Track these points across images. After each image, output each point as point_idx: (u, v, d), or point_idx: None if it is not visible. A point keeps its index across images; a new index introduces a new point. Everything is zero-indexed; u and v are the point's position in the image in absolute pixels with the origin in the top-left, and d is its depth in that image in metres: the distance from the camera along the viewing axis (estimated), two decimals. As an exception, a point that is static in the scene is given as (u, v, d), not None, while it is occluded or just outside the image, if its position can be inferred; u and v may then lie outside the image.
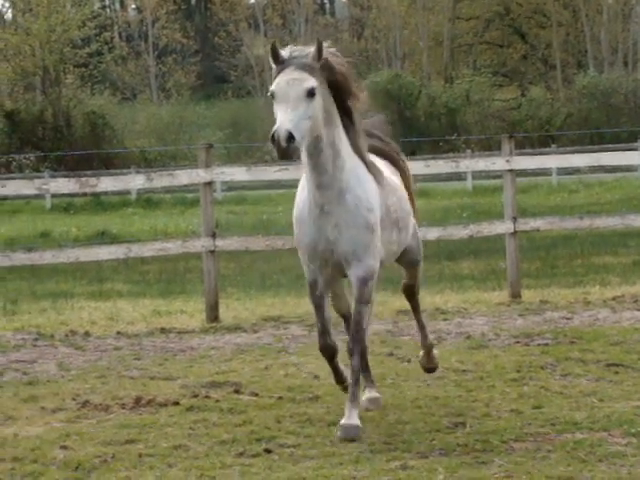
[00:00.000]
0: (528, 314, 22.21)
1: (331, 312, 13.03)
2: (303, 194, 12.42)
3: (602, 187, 66.36)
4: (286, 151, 10.00)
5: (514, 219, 24.12)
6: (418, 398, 15.39)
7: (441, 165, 32.53)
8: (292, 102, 10.12)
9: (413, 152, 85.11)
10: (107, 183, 28.14)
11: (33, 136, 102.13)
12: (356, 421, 12.55)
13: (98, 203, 70.64)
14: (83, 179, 26.92)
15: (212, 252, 23.65)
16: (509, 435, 13.32)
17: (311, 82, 10.47)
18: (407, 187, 13.26)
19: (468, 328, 20.99)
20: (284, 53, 10.60)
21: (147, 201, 70.62)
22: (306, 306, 23.62)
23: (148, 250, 24.55)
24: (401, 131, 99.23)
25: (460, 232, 26.35)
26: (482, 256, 31.83)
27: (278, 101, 10.27)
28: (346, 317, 13.28)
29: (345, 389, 13.38)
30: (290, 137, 9.88)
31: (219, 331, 21.72)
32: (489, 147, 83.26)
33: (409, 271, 14.40)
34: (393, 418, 13.98)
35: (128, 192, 70.61)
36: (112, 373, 18.21)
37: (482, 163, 30.50)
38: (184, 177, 24.88)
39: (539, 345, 19.00)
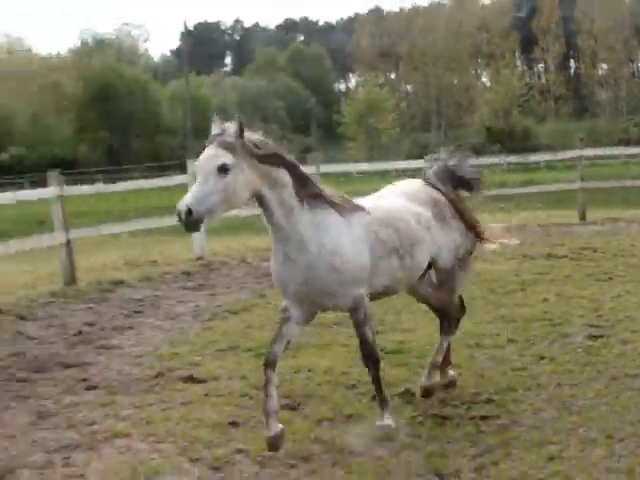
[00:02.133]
0: None
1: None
2: None
3: None
4: (186, 224, 5.73)
5: None
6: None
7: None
8: (203, 177, 5.81)
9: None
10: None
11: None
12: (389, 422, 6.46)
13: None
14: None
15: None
16: None
17: (224, 159, 5.81)
18: (462, 215, 7.33)
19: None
20: (213, 130, 6.05)
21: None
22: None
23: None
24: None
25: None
26: None
27: (197, 175, 5.94)
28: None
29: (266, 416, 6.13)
30: (188, 212, 5.66)
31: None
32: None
33: (435, 291, 7.63)
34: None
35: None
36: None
37: None
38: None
39: None
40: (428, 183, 7.34)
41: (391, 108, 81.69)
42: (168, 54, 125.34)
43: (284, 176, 6.05)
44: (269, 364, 6.15)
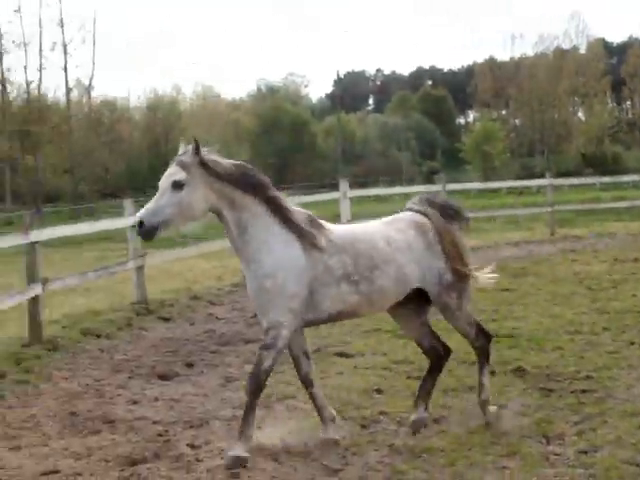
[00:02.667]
0: None
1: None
2: None
3: None
4: (139, 234, 5.12)
5: None
6: None
7: None
8: (160, 192, 5.09)
9: None
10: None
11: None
12: (240, 452, 5.19)
13: None
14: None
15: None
16: None
17: (178, 176, 5.07)
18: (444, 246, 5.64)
19: None
20: (179, 151, 5.28)
21: None
22: None
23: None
24: None
25: None
26: None
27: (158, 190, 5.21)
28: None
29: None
30: (140, 223, 5.01)
31: None
32: None
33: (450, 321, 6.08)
34: None
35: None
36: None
37: None
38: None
39: None
40: (414, 210, 5.81)
41: (502, 138, 79.88)
42: (323, 96, 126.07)
43: (245, 198, 5.20)
44: (307, 385, 5.65)
